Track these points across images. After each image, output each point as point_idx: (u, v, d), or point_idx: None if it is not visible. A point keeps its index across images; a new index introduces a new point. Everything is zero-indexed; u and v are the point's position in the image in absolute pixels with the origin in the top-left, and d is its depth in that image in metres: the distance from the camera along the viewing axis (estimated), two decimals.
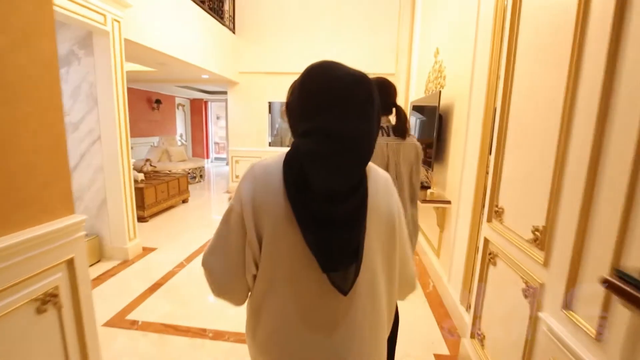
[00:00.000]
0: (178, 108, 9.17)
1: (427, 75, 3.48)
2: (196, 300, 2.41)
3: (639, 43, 0.78)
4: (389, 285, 0.71)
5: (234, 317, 2.17)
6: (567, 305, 0.97)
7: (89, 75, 2.83)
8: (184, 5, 3.92)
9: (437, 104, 2.61)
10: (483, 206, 1.93)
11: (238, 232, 0.65)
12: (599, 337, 0.83)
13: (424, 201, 2.52)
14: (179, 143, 8.67)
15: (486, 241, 1.58)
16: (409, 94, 4.55)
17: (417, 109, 3.50)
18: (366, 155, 0.62)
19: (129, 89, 6.88)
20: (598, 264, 0.87)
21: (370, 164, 0.69)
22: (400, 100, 5.15)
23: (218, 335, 1.99)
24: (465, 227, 2.11)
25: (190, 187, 6.02)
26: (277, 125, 6.09)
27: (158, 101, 7.95)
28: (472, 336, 1.68)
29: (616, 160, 0.82)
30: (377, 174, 0.70)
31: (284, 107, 0.77)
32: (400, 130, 1.38)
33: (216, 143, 10.53)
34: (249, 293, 0.72)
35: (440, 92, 2.64)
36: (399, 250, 0.72)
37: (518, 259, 1.28)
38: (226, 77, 5.30)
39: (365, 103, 0.62)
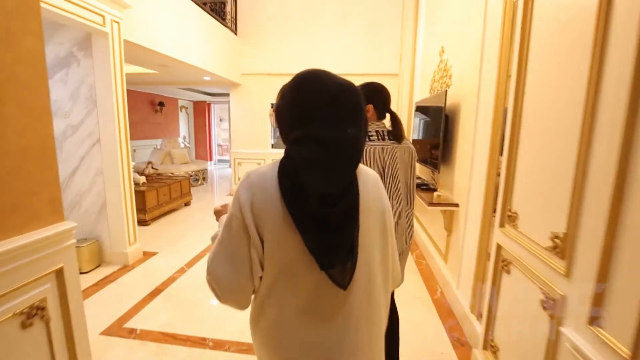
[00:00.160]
0: (181, 110, 9.16)
1: (432, 74, 3.40)
2: (196, 307, 2.34)
3: None
4: (385, 277, 0.76)
5: (235, 325, 2.10)
6: (595, 320, 0.88)
7: (88, 77, 2.79)
8: (184, 6, 3.88)
9: (443, 104, 2.53)
10: (494, 210, 1.85)
11: (241, 237, 0.67)
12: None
13: (431, 204, 2.44)
14: (182, 145, 8.64)
15: (499, 247, 1.50)
16: (413, 95, 4.47)
17: (421, 109, 3.42)
18: (357, 159, 0.67)
19: (131, 92, 6.94)
20: (631, 275, 0.78)
21: (360, 165, 0.72)
22: (404, 101, 5.06)
23: (218, 345, 1.92)
24: (475, 232, 2.03)
25: (192, 189, 5.98)
26: None
27: (161, 103, 7.94)
28: (485, 347, 1.59)
29: None
30: (367, 174, 0.74)
31: (272, 111, 0.70)
32: (396, 134, 1.43)
33: (219, 145, 10.50)
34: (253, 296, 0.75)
35: (446, 91, 2.56)
36: (391, 243, 0.77)
37: (535, 268, 1.19)
38: (228, 78, 5.26)
39: (354, 110, 0.67)
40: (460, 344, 1.96)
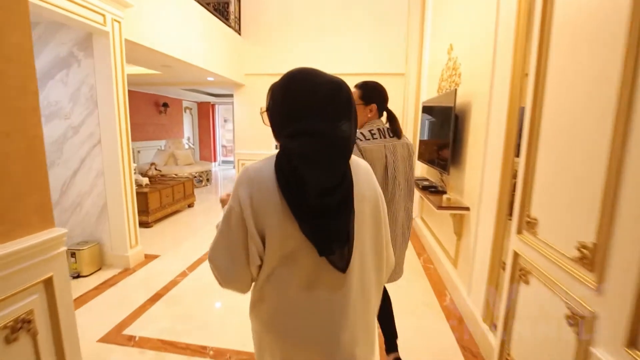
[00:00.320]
0: (185, 111, 9.14)
1: (440, 73, 3.31)
2: (197, 313, 2.27)
3: None
4: (377, 261, 0.81)
5: (237, 333, 2.02)
6: (633, 342, 0.79)
7: (89, 77, 2.75)
8: (187, 6, 3.83)
9: (452, 104, 2.44)
10: (509, 214, 1.76)
11: (239, 230, 0.70)
12: None
13: (440, 207, 2.35)
14: (186, 146, 8.62)
15: (516, 255, 1.40)
16: (420, 94, 4.36)
17: (429, 109, 3.32)
18: (350, 151, 0.71)
19: (135, 93, 6.92)
20: None
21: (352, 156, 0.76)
22: (410, 101, 4.96)
23: (219, 354, 1.85)
24: (487, 237, 1.93)
25: (196, 191, 5.94)
26: None
27: (165, 104, 7.92)
28: None
29: None
30: (358, 165, 0.78)
31: (262, 110, 0.80)
32: (396, 130, 1.49)
33: (223, 146, 10.47)
34: (253, 283, 0.78)
35: (456, 90, 2.47)
36: (385, 232, 0.82)
37: (559, 280, 1.10)
38: (231, 79, 5.20)
39: (346, 106, 0.71)
40: (473, 355, 1.86)
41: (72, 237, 2.95)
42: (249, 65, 5.57)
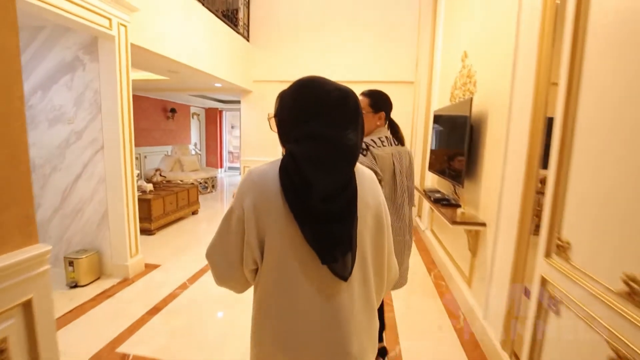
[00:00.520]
0: (193, 117, 9.15)
1: (452, 81, 3.19)
2: (195, 329, 2.15)
3: None
4: (379, 272, 0.80)
5: (236, 351, 1.90)
6: None
7: (93, 81, 2.70)
8: (195, 12, 3.80)
9: (467, 113, 2.32)
10: (533, 233, 1.62)
11: (237, 232, 0.71)
12: None
13: (455, 222, 2.21)
14: (193, 152, 8.61)
15: (544, 281, 1.27)
16: (431, 103, 4.25)
17: (441, 118, 3.20)
18: (355, 158, 0.71)
19: (143, 98, 6.93)
20: None
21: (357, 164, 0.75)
22: (421, 110, 4.86)
23: None
24: (507, 257, 1.79)
25: (201, 197, 5.87)
26: None
27: (173, 110, 7.93)
28: None
29: None
30: (363, 172, 0.78)
31: (270, 115, 0.80)
32: (400, 138, 1.56)
33: (230, 152, 10.45)
34: (251, 285, 0.79)
35: (471, 99, 2.35)
36: (387, 239, 0.80)
37: (599, 315, 0.97)
38: (239, 85, 5.16)
39: (354, 114, 0.72)
40: None
41: (71, 244, 2.88)
42: (257, 72, 5.53)
